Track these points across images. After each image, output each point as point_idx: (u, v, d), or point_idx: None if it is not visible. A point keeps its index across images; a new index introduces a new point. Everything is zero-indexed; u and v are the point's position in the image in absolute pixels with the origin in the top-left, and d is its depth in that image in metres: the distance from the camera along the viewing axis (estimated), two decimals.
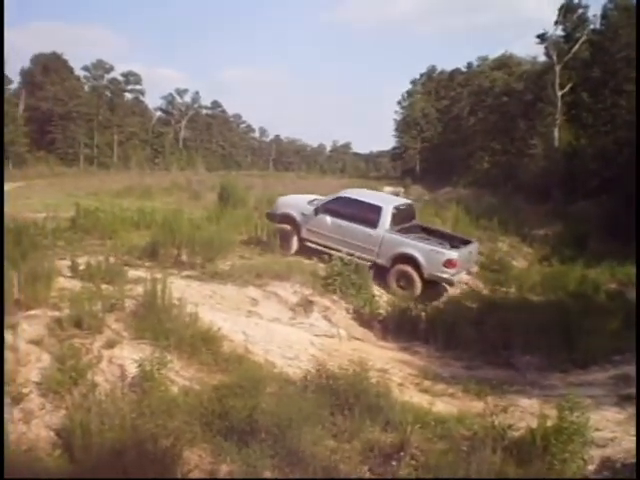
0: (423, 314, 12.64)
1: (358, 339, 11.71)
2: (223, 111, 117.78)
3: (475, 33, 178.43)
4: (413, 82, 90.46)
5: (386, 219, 15.00)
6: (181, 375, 7.94)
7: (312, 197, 17.03)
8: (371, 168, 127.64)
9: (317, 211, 15.74)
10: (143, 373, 7.30)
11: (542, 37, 47.47)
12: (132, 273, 11.91)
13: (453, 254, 14.42)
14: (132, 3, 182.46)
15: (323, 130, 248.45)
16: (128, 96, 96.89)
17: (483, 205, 27.78)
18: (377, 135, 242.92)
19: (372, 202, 15.72)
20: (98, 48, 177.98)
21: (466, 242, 16.00)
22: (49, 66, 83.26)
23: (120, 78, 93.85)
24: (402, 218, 15.71)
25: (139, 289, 9.91)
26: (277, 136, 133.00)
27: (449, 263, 14.18)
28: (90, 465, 5.89)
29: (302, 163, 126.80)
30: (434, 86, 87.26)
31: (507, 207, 27.25)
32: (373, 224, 14.99)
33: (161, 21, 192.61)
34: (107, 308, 9.16)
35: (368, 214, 15.16)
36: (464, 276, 15.49)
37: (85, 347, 7.99)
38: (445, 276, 14.34)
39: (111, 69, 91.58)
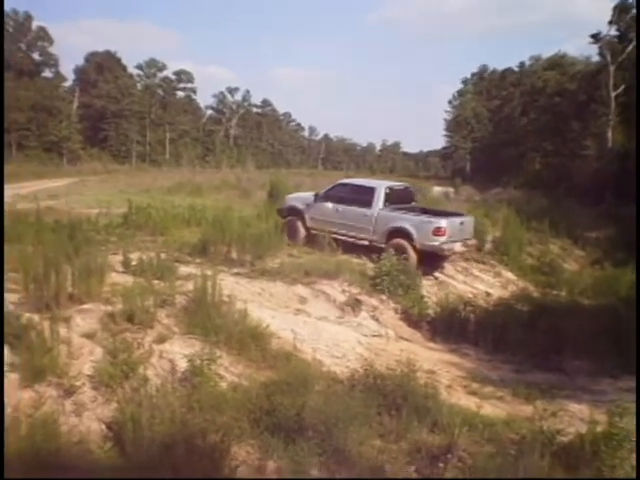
0: (472, 316, 12.54)
1: (406, 339, 11.66)
2: (273, 110, 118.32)
3: (527, 32, 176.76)
4: (464, 81, 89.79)
5: (379, 198, 15.94)
6: (230, 371, 8.01)
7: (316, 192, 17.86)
8: (420, 168, 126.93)
9: (317, 198, 17.03)
10: (193, 368, 7.38)
11: (596, 37, 46.80)
12: (183, 269, 12.10)
13: (441, 222, 15.03)
14: (184, 2, 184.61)
15: (372, 129, 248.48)
16: (180, 94, 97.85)
17: (534, 206, 27.34)
18: (427, 135, 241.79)
19: (367, 185, 17.14)
20: (151, 46, 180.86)
21: (459, 215, 16.79)
22: (103, 64, 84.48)
23: (172, 76, 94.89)
24: (397, 198, 16.50)
25: (189, 285, 10.07)
26: (326, 135, 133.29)
27: (438, 231, 14.83)
28: (140, 459, 5.98)
29: (351, 162, 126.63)
30: (485, 86, 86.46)
31: (559, 209, 26.74)
32: (368, 204, 15.96)
33: (213, 20, 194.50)
34: (158, 303, 9.33)
35: (364, 196, 16.21)
36: (458, 247, 15.50)
37: (137, 341, 8.12)
38: (436, 244, 14.86)
39: (164, 67, 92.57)
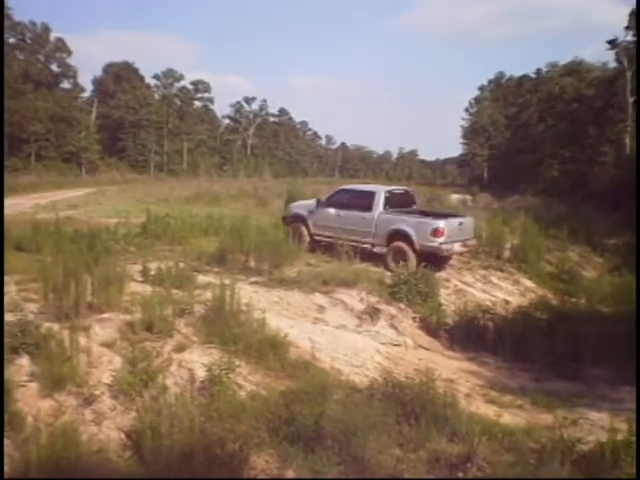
0: (491, 324, 12.49)
1: (425, 348, 11.62)
2: (290, 119, 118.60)
3: (544, 39, 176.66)
4: (481, 88, 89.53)
5: (379, 202, 16.35)
6: (248, 380, 8.02)
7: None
8: (437, 175, 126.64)
9: (319, 204, 17.50)
10: (212, 377, 7.41)
11: (613, 43, 46.60)
12: (201, 278, 12.14)
13: (439, 223, 15.37)
14: (201, 13, 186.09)
15: (389, 137, 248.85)
16: (197, 104, 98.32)
17: (552, 214, 27.27)
18: (444, 142, 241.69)
19: (367, 189, 18.01)
20: (168, 57, 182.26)
21: (458, 216, 17.45)
22: (121, 75, 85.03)
23: (189, 86, 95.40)
24: (397, 202, 16.99)
25: (208, 294, 10.10)
26: (343, 143, 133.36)
27: (436, 232, 15.12)
28: (159, 467, 5.99)
29: (368, 170, 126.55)
30: (502, 92, 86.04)
31: (577, 216, 26.67)
32: (369, 208, 16.37)
33: (230, 30, 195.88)
34: (177, 313, 9.38)
35: (364, 200, 16.68)
36: (458, 247, 15.84)
37: (156, 350, 8.16)
38: (434, 245, 15.14)
39: (181, 78, 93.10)
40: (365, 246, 16.03)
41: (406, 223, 15.62)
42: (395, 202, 16.79)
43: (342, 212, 16.83)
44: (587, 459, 6.44)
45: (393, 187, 19.16)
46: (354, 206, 16.73)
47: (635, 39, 44.99)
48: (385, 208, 16.31)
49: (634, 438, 6.30)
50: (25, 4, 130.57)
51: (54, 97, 69.82)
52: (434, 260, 15.23)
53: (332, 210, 17.09)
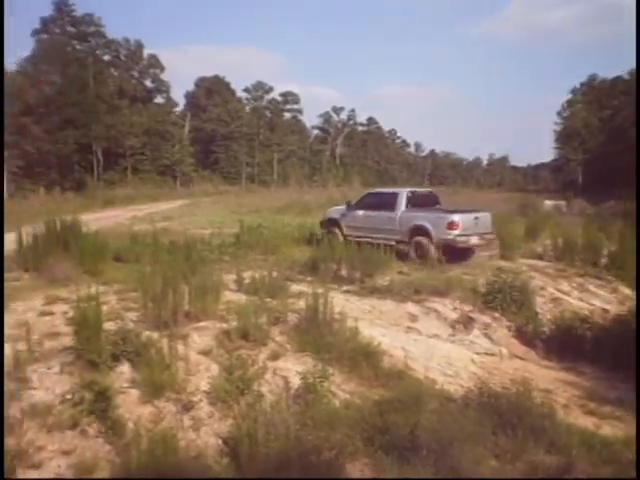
0: (588, 333, 12.13)
1: (520, 358, 11.37)
2: (378, 127, 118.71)
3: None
4: (573, 91, 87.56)
5: (402, 201, 18.07)
6: (342, 388, 8.02)
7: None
8: (529, 181, 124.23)
9: (349, 208, 19.52)
10: (306, 385, 7.44)
11: None
12: (294, 287, 12.29)
13: (454, 217, 16.82)
14: (287, 26, 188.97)
15: (480, 143, 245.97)
16: (287, 115, 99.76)
17: None
18: (535, 148, 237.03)
19: (391, 191, 19.73)
20: (257, 70, 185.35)
21: (474, 211, 18.32)
22: (212, 89, 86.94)
23: (279, 98, 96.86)
24: (420, 202, 18.56)
25: (301, 303, 10.19)
26: (432, 150, 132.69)
27: (451, 225, 16.55)
28: (255, 474, 6.06)
29: (458, 177, 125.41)
30: (595, 95, 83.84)
31: None
32: (393, 208, 18.07)
33: (315, 42, 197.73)
34: (271, 321, 9.51)
35: (389, 201, 18.44)
36: (475, 240, 16.96)
37: (251, 358, 8.26)
38: (450, 237, 16.51)
39: (270, 90, 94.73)
40: (390, 242, 17.20)
41: (425, 219, 17.12)
42: (418, 202, 18.40)
43: (370, 213, 18.74)
44: None
45: (416, 188, 21.06)
46: (380, 207, 18.53)
47: None
48: (407, 207, 17.93)
49: None
50: (117, 21, 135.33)
51: (148, 112, 71.79)
52: (454, 253, 16.59)
53: (361, 212, 19.06)
